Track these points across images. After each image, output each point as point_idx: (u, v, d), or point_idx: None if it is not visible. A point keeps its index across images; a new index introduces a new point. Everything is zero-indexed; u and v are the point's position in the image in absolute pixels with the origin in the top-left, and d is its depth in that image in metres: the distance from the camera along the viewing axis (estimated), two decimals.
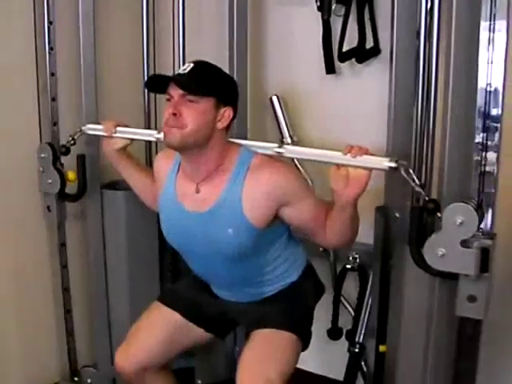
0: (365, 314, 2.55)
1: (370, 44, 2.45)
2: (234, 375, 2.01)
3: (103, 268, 2.73)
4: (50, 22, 2.51)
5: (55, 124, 2.59)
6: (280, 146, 2.06)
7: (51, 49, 2.54)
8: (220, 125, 1.94)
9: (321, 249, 2.64)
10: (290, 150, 2.08)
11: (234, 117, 1.99)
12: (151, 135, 2.31)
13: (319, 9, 2.45)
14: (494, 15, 1.78)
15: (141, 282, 2.74)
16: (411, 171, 1.83)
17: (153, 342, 2.16)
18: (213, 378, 2.85)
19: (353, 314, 2.65)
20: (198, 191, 2.00)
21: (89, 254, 2.74)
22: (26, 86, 2.55)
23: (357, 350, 2.57)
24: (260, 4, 2.68)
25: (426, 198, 1.83)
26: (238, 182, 1.94)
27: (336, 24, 2.45)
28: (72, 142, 2.46)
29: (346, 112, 2.57)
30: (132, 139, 2.30)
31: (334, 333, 2.72)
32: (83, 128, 2.46)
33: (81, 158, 2.56)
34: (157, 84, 1.96)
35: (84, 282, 2.81)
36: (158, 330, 2.18)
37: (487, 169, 1.86)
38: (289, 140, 2.63)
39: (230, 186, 1.95)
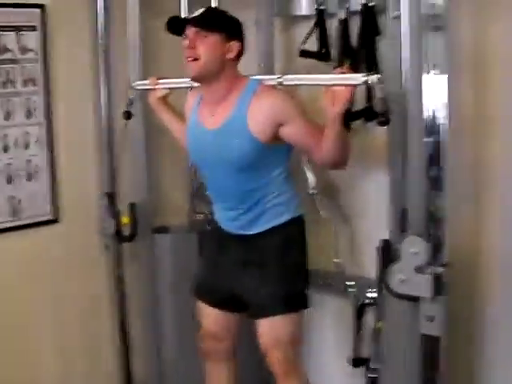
0: None
1: None
2: None
3: (155, 300, 3.17)
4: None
5: (113, 177, 3.09)
6: (280, 77, 2.44)
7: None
8: (229, 55, 2.35)
9: (343, 286, 2.97)
10: (288, 79, 2.44)
11: (241, 50, 2.38)
12: (186, 82, 2.62)
13: None
14: None
15: (187, 312, 3.11)
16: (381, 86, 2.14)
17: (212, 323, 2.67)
18: None
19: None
20: (213, 113, 2.41)
21: (142, 288, 3.19)
22: (90, 150, 3.12)
23: (371, 375, 2.84)
24: None
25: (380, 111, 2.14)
26: (244, 103, 2.33)
27: None
28: (130, 103, 2.86)
29: None
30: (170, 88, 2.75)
31: (355, 361, 2.99)
32: (133, 84, 2.90)
33: (131, 206, 3.05)
34: (175, 28, 2.40)
35: (140, 311, 3.25)
36: (210, 316, 2.67)
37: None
38: None
39: (239, 106, 2.34)
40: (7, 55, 2.85)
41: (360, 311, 2.94)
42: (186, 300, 3.03)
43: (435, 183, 2.17)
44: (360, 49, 2.81)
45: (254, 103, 2.32)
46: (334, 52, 2.89)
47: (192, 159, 2.66)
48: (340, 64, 2.77)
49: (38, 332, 3.01)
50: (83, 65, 3.05)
